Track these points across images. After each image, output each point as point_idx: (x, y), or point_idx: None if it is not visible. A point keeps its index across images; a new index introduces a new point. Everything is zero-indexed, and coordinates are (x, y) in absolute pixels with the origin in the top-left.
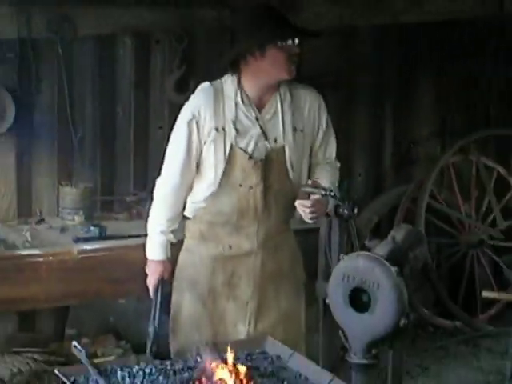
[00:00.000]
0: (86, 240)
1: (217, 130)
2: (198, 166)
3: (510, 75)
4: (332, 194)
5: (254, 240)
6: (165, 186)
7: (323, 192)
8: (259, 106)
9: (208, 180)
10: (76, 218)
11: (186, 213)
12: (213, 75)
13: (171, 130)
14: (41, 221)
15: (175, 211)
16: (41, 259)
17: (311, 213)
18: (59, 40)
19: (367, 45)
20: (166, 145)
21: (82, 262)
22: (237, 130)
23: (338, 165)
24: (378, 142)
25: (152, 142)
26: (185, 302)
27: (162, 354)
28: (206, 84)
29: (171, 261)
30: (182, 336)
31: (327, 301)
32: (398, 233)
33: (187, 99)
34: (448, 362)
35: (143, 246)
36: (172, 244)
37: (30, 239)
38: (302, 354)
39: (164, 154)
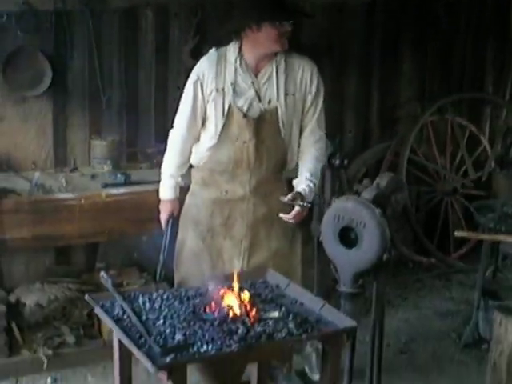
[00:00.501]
0: (113, 185)
1: (217, 90)
2: (204, 122)
3: (481, 44)
4: (308, 205)
5: (247, 187)
6: (175, 137)
7: (301, 203)
8: (256, 72)
9: (210, 133)
10: (105, 166)
11: (192, 162)
12: (222, 44)
13: None
14: (74, 169)
15: (183, 158)
16: (74, 202)
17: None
18: (90, 12)
19: (357, 18)
20: None
21: (110, 205)
22: (235, 91)
23: (322, 132)
24: (366, 103)
25: (170, 101)
26: (188, 239)
27: (168, 278)
28: (212, 50)
29: (180, 201)
30: (185, 268)
31: (320, 239)
32: (382, 180)
33: None
34: (424, 294)
35: None
36: (180, 188)
37: (65, 185)
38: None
39: None
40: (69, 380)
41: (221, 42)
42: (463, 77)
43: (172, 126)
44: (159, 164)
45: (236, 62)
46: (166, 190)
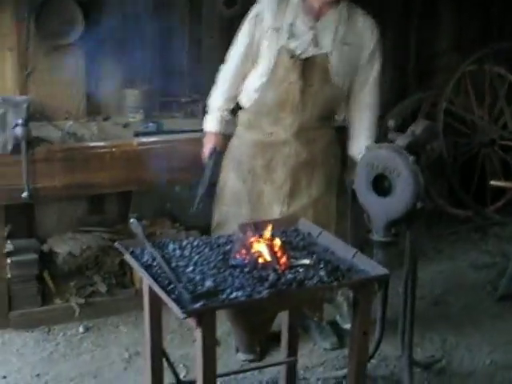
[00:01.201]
0: (145, 134)
1: (274, 29)
2: (256, 60)
3: None
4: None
5: (289, 130)
6: (225, 70)
7: None
8: (317, 16)
9: (260, 72)
10: (137, 115)
11: (241, 103)
12: None
13: (221, 39)
14: (107, 118)
15: (230, 93)
16: (105, 150)
17: None
18: None
19: None
20: (217, 52)
21: (141, 153)
22: (291, 32)
23: (376, 101)
24: (403, 53)
25: (204, 50)
26: (229, 179)
27: (204, 212)
28: None
29: (225, 135)
30: (224, 208)
31: (354, 187)
32: (417, 127)
33: (235, 13)
34: (459, 246)
35: (195, 140)
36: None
37: (96, 133)
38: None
39: (215, 60)
40: (101, 329)
41: None
42: (503, 26)
43: (210, 78)
44: (193, 114)
45: (299, 3)
46: (210, 122)
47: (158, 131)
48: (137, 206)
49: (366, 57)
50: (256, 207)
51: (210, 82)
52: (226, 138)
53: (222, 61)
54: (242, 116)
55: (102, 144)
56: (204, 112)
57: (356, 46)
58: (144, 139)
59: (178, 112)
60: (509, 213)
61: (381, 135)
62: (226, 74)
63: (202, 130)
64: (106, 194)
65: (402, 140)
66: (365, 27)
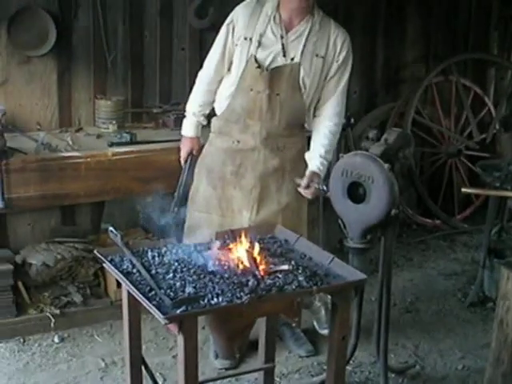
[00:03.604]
0: (119, 144)
1: (245, 38)
2: (229, 67)
3: (485, 5)
4: (324, 189)
5: (258, 138)
6: (202, 76)
7: (317, 187)
8: (289, 28)
9: (231, 81)
10: (110, 126)
11: (216, 110)
12: (227, 3)
13: (192, 50)
14: (79, 129)
15: (206, 98)
16: (80, 160)
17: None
18: None
19: None
20: (188, 64)
21: (116, 163)
22: (260, 42)
23: (342, 110)
24: (371, 64)
25: (175, 61)
26: (201, 184)
27: (181, 216)
28: None
29: (201, 140)
30: (196, 213)
31: (328, 195)
32: (390, 135)
33: (206, 24)
34: (429, 255)
35: (168, 150)
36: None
37: (71, 144)
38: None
39: (185, 71)
40: (76, 339)
41: (226, 1)
42: (468, 38)
43: (182, 88)
44: (165, 124)
45: (271, 13)
46: (187, 127)
47: (132, 141)
48: (109, 216)
49: (335, 68)
50: (226, 213)
51: (181, 92)
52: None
53: (192, 72)
54: (214, 123)
55: (77, 154)
56: (175, 123)
57: (326, 58)
58: (118, 149)
59: (150, 123)
60: (476, 222)
61: (352, 144)
62: (202, 80)
63: (174, 141)
64: (79, 205)
65: (376, 148)
66: (336, 39)
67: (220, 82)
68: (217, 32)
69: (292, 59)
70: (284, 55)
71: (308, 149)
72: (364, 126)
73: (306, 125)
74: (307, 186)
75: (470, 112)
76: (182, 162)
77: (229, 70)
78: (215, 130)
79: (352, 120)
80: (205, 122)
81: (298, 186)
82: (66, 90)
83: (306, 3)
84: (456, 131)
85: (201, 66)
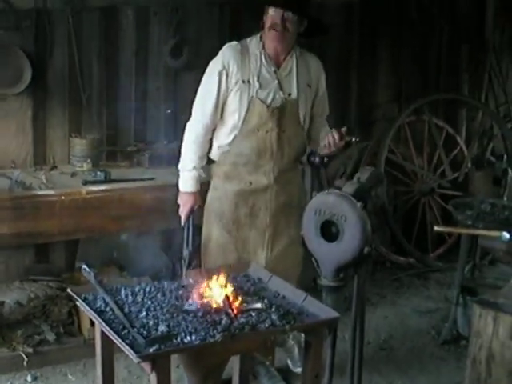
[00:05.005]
0: (94, 183)
1: (243, 81)
2: (222, 112)
3: (455, 47)
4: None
5: (270, 176)
6: (196, 127)
7: (353, 138)
8: (278, 64)
9: (231, 125)
10: (84, 165)
11: (212, 156)
12: (202, 43)
13: (167, 89)
14: (54, 167)
15: (204, 150)
16: (55, 198)
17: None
18: (70, 10)
19: (335, 20)
20: (163, 103)
21: (90, 201)
22: (260, 83)
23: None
24: (344, 104)
25: (150, 100)
26: (213, 232)
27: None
28: (233, 43)
29: (201, 193)
30: (212, 262)
31: (301, 233)
32: (363, 174)
33: (181, 64)
34: (402, 292)
35: (142, 188)
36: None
37: (45, 182)
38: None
39: (161, 111)
40: (49, 378)
41: (201, 41)
42: (439, 79)
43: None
44: (139, 163)
45: (260, 53)
46: (188, 182)
47: (107, 180)
48: (83, 255)
49: (320, 94)
50: (242, 255)
51: (156, 131)
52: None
53: (167, 111)
54: (216, 169)
55: (51, 192)
56: (150, 162)
57: (314, 86)
58: (93, 188)
59: (125, 161)
60: (449, 259)
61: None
62: (197, 132)
63: (148, 179)
64: (53, 243)
65: (348, 187)
66: (317, 67)
67: (213, 130)
68: (191, 72)
69: (289, 95)
70: (282, 91)
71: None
72: (337, 165)
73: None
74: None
75: (442, 151)
76: (184, 219)
77: (222, 117)
78: (220, 176)
79: (325, 159)
80: (204, 175)
81: (329, 142)
82: (40, 127)
83: (287, 37)
84: (429, 170)
85: (175, 105)
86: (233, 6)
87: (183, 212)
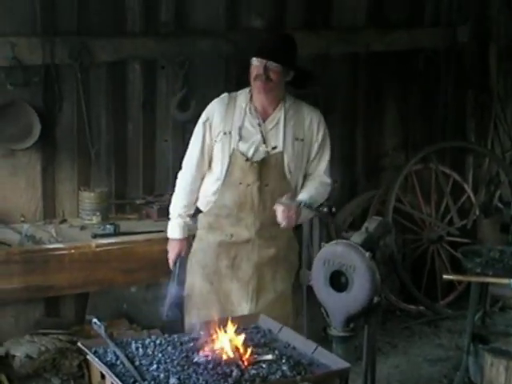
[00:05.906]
0: (103, 236)
1: (225, 133)
2: (210, 162)
3: (461, 94)
4: (306, 204)
5: (252, 229)
6: (184, 176)
7: (297, 203)
8: (264, 117)
9: (215, 176)
10: (94, 218)
11: (200, 206)
12: (209, 96)
13: (175, 142)
14: (63, 221)
15: (191, 199)
16: (64, 252)
17: (282, 218)
18: (78, 66)
19: (342, 70)
20: (171, 155)
21: (100, 255)
22: (240, 135)
23: (328, 181)
24: (351, 153)
25: (158, 153)
26: (196, 282)
27: (175, 319)
28: (223, 95)
29: (189, 240)
30: (195, 313)
31: (310, 284)
32: (371, 224)
33: (188, 117)
34: (413, 341)
35: (151, 240)
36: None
37: (54, 235)
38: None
39: (169, 163)
40: None
41: (209, 94)
42: (445, 126)
43: (165, 179)
44: (148, 215)
45: (246, 106)
46: (174, 229)
47: (116, 233)
48: (93, 308)
49: (316, 148)
50: (226, 307)
51: (164, 184)
52: (189, 241)
53: (175, 164)
54: (202, 219)
55: (61, 246)
56: (158, 214)
57: (306, 140)
58: (102, 241)
59: (133, 214)
60: (460, 307)
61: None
62: (184, 180)
63: (157, 232)
64: (63, 296)
65: (357, 237)
66: (312, 120)
67: (202, 180)
68: None
69: (274, 148)
70: (266, 145)
71: (295, 236)
72: (345, 214)
73: None
74: (287, 211)
75: (449, 199)
76: (171, 264)
77: (209, 166)
78: (204, 227)
79: (333, 209)
80: (191, 222)
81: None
82: (49, 182)
83: (272, 87)
84: (437, 218)
85: (183, 158)
86: (238, 58)
87: (170, 257)
